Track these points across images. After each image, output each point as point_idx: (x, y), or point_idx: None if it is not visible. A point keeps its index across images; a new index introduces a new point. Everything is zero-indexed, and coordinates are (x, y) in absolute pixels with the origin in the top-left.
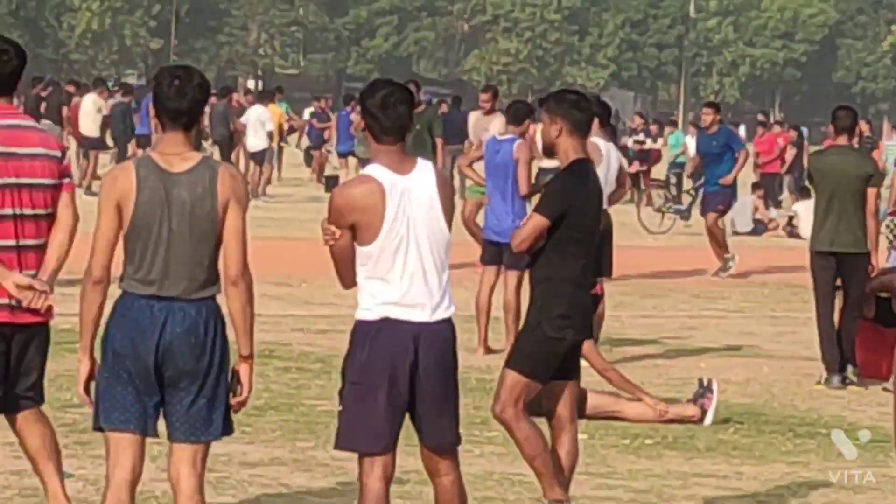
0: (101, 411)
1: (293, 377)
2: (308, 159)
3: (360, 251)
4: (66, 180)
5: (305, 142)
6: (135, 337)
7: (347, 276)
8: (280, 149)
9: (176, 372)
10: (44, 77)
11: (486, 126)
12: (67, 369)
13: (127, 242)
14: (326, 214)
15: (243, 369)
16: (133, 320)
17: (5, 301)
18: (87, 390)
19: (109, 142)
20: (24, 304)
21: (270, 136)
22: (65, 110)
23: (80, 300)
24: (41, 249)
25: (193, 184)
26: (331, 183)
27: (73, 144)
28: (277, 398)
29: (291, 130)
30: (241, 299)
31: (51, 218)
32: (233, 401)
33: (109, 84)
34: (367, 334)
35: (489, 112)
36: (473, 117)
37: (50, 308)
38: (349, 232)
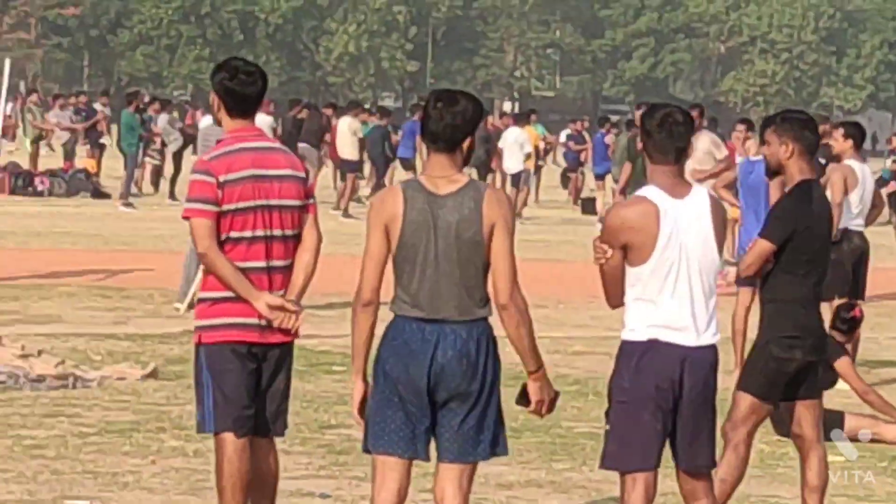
0: (369, 434)
1: None
2: (565, 182)
3: (631, 272)
4: (311, 201)
5: (561, 159)
6: (407, 360)
7: (615, 296)
8: (539, 169)
9: (448, 394)
10: (300, 100)
11: (694, 145)
12: (325, 391)
13: (396, 265)
14: (599, 235)
15: (531, 386)
16: (404, 343)
17: (255, 321)
18: (360, 413)
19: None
20: (275, 324)
21: (528, 157)
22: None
23: (351, 323)
24: (289, 270)
25: (459, 206)
26: (587, 205)
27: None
28: (534, 420)
29: (547, 151)
30: (513, 321)
31: (297, 239)
32: (528, 410)
33: (366, 107)
34: (634, 355)
35: (695, 130)
36: None
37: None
38: (621, 252)
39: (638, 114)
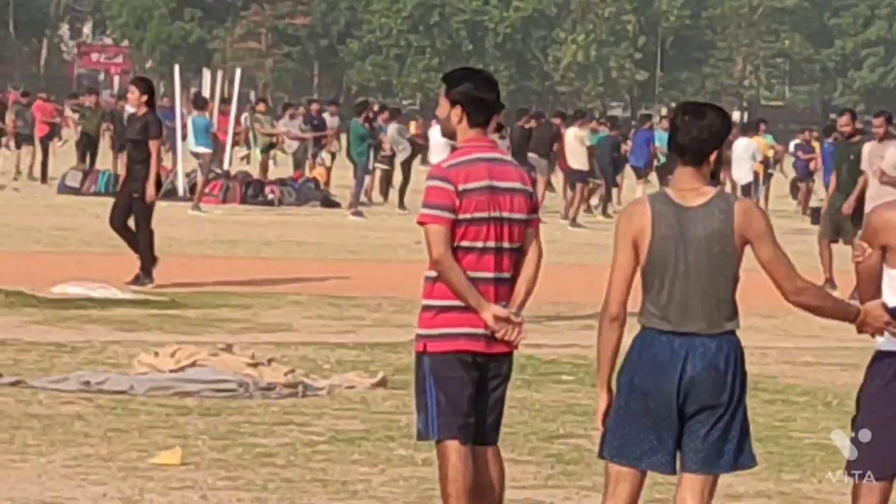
0: (607, 442)
1: (778, 409)
2: (794, 191)
3: (889, 275)
4: (535, 215)
5: (790, 169)
6: (657, 373)
7: (868, 295)
8: (768, 178)
9: (696, 406)
10: (529, 109)
11: (882, 154)
12: (554, 400)
13: (645, 278)
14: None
15: (864, 328)
16: (653, 356)
17: (482, 331)
18: (604, 424)
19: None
20: (498, 335)
21: (759, 163)
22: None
23: (597, 336)
24: (512, 282)
25: (708, 218)
26: (816, 215)
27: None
28: (763, 430)
29: (776, 161)
30: (811, 308)
31: (520, 251)
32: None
33: (595, 116)
34: (885, 364)
35: (883, 138)
36: (868, 147)
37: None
38: (879, 252)
39: (841, 120)
